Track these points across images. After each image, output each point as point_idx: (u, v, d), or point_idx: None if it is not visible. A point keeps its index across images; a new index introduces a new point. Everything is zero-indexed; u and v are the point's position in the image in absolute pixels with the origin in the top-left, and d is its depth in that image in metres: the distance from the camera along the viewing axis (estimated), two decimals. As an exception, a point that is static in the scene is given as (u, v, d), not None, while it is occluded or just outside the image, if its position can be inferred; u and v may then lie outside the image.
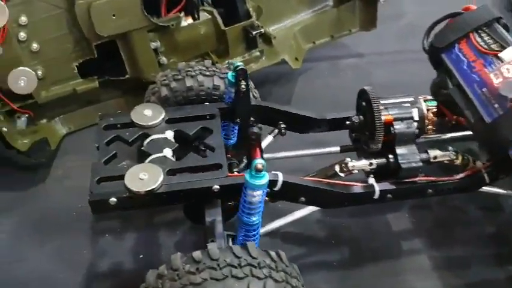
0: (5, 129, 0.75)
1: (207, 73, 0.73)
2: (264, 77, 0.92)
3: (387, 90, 0.93)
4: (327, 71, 1.00)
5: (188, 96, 0.72)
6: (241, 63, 0.63)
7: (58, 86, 0.81)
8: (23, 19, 0.74)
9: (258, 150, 0.62)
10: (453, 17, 0.68)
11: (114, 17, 0.76)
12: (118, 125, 0.63)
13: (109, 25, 0.76)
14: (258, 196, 0.53)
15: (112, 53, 0.82)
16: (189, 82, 0.72)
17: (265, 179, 0.51)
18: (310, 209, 0.63)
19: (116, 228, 0.74)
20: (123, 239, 0.74)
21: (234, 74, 0.63)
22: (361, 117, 0.64)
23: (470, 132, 0.69)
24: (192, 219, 0.67)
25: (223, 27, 0.84)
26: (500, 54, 0.57)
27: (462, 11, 0.67)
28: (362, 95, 0.65)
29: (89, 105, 0.87)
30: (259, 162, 0.51)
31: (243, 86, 0.63)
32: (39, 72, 0.78)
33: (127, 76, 0.83)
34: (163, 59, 0.84)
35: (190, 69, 0.73)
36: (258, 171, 0.51)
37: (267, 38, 0.89)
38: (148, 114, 0.64)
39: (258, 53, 0.88)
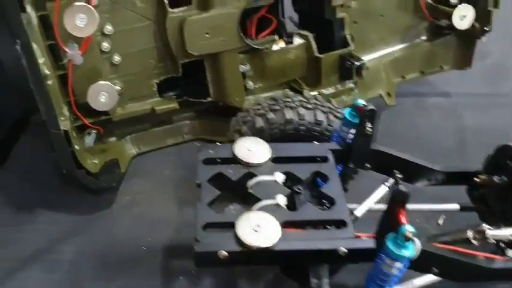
0: (76, 147, 0.67)
1: (309, 106, 0.65)
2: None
3: (479, 135, 0.86)
4: (413, 109, 0.92)
5: (286, 130, 0.65)
6: (365, 102, 0.55)
7: (135, 103, 0.74)
8: (109, 28, 0.67)
9: (403, 213, 0.53)
10: None
11: (208, 35, 0.69)
12: (219, 160, 0.55)
13: (201, 43, 0.69)
14: (397, 268, 0.45)
15: (191, 71, 0.75)
16: (289, 114, 0.64)
17: (411, 250, 0.44)
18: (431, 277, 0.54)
19: (191, 269, 0.66)
20: (199, 284, 0.65)
21: (353, 113, 0.56)
22: (504, 177, 0.55)
23: None
24: (287, 275, 0.58)
25: (317, 53, 0.77)
26: None
27: None
28: (505, 151, 0.57)
29: (161, 125, 0.79)
30: (409, 229, 0.43)
31: (368, 129, 0.55)
32: (118, 87, 0.70)
33: (209, 99, 0.76)
34: (250, 84, 0.76)
35: (289, 99, 0.66)
36: (406, 240, 0.44)
37: (358, 70, 0.81)
38: (252, 149, 0.56)
39: (351, 85, 0.81)
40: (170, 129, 0.79)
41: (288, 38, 0.77)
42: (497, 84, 0.98)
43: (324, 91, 0.79)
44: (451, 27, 0.84)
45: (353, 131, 0.57)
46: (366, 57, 0.86)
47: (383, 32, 0.87)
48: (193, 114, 0.81)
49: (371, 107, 0.54)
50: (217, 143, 0.58)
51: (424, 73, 0.90)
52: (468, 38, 0.87)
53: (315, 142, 0.61)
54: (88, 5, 0.62)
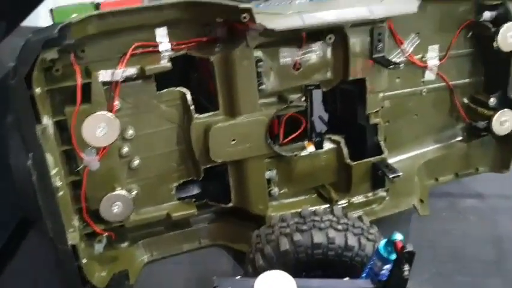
0: (84, 260, 0.62)
1: (339, 227, 0.60)
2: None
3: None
4: (445, 212, 0.86)
5: (313, 254, 0.59)
6: (402, 238, 0.50)
7: (151, 208, 0.69)
8: (130, 132, 0.64)
9: None
10: None
11: (233, 142, 0.65)
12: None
13: (226, 150, 0.65)
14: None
15: (213, 172, 0.70)
16: (317, 237, 0.59)
17: None
18: None
19: None
20: None
21: (389, 248, 0.50)
22: None
23: None
24: None
25: (349, 160, 0.72)
26: None
27: None
28: None
29: (176, 228, 0.74)
30: None
31: (406, 272, 0.50)
32: (134, 192, 0.67)
33: (231, 204, 0.71)
34: (275, 190, 0.72)
35: (317, 218, 0.61)
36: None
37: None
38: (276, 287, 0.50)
39: (383, 193, 0.75)
40: (186, 233, 0.74)
41: (318, 141, 0.73)
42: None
43: (354, 199, 0.74)
44: (489, 130, 0.80)
45: (387, 266, 0.52)
46: (398, 158, 0.81)
47: (418, 131, 0.82)
48: (211, 215, 0.76)
49: (410, 248, 0.48)
50: (237, 278, 0.53)
51: (459, 175, 0.85)
52: (507, 141, 0.82)
53: (347, 279, 0.55)
54: (109, 114, 0.59)
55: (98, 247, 0.68)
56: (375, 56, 0.66)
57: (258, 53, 0.63)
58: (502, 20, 0.74)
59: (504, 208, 0.87)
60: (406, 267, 0.49)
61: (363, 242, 0.60)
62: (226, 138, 0.65)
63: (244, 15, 0.57)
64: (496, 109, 0.79)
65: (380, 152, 0.74)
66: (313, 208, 0.62)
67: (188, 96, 0.64)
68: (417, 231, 0.82)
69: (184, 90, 0.64)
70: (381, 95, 0.73)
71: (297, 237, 0.59)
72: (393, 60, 0.75)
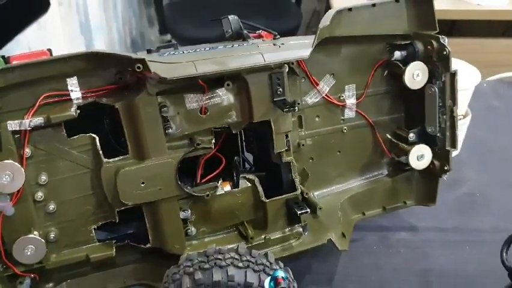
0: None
1: (240, 264, 0.61)
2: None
3: (445, 280, 0.81)
4: (376, 246, 0.87)
5: (213, 292, 0.61)
6: (283, 274, 0.52)
7: (71, 249, 0.71)
8: (43, 178, 0.67)
9: None
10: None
11: (143, 185, 0.68)
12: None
13: (135, 193, 0.68)
14: None
15: (134, 212, 0.73)
16: (217, 275, 0.60)
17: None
18: None
19: None
20: None
21: (273, 284, 0.52)
22: None
23: None
24: None
25: (263, 198, 0.74)
26: None
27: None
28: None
29: (101, 269, 0.76)
30: None
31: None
32: (52, 235, 0.69)
33: (149, 245, 0.73)
34: (192, 229, 0.74)
35: (220, 256, 0.63)
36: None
37: (312, 208, 0.78)
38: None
39: (300, 229, 0.77)
40: (111, 274, 0.76)
41: (237, 181, 0.76)
42: (469, 218, 0.93)
43: (271, 235, 0.76)
44: (410, 165, 0.82)
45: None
46: (321, 192, 0.84)
47: (342, 168, 0.85)
48: (136, 256, 0.77)
49: (284, 285, 0.50)
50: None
51: (386, 209, 0.87)
52: (430, 176, 0.84)
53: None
54: (14, 163, 0.62)
55: (21, 289, 0.69)
56: (275, 99, 0.69)
57: (162, 99, 0.66)
58: (411, 58, 0.78)
59: (436, 240, 0.89)
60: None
61: (263, 278, 0.61)
62: (134, 181, 0.67)
63: (138, 65, 0.60)
64: (415, 144, 0.81)
65: (295, 189, 0.76)
66: (219, 247, 0.64)
67: (97, 142, 0.67)
68: (346, 266, 0.83)
69: (93, 135, 0.67)
70: (301, 131, 0.78)
71: (198, 275, 0.61)
72: (309, 99, 0.79)
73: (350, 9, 0.74)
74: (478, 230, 0.90)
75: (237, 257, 0.62)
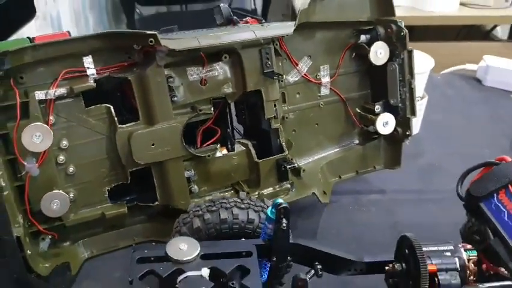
0: (29, 252, 0.73)
1: (242, 206, 0.73)
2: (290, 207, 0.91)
3: (411, 230, 0.93)
4: (351, 206, 1.00)
5: (221, 229, 0.72)
6: (283, 201, 0.63)
7: (88, 209, 0.80)
8: (64, 143, 0.76)
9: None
10: (488, 166, 0.70)
11: (153, 146, 0.78)
12: (152, 258, 0.62)
13: (147, 154, 0.78)
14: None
15: (141, 178, 0.83)
16: (223, 214, 0.71)
17: None
18: None
19: None
20: None
21: (274, 210, 0.63)
22: (403, 265, 0.63)
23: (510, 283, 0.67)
24: None
25: (256, 159, 0.86)
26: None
27: (497, 162, 0.69)
28: (404, 241, 0.64)
29: (113, 229, 0.85)
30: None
31: (284, 225, 0.62)
32: (71, 195, 0.78)
33: (157, 203, 0.83)
34: (195, 188, 0.84)
35: (225, 201, 0.73)
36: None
37: (296, 171, 0.90)
38: (183, 248, 0.62)
39: (288, 185, 0.89)
40: (122, 233, 0.85)
41: (231, 146, 0.87)
42: (429, 182, 1.07)
43: (263, 191, 0.87)
44: (378, 133, 0.96)
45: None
46: (304, 161, 0.96)
47: (320, 138, 0.97)
48: (144, 217, 0.87)
49: (284, 204, 0.62)
50: (153, 244, 0.65)
51: (359, 173, 1.00)
52: (394, 142, 0.98)
53: (243, 239, 0.68)
54: (44, 124, 0.72)
55: (43, 245, 0.78)
56: (265, 71, 0.81)
57: (169, 72, 0.77)
58: (374, 40, 0.92)
59: (402, 200, 1.02)
60: (284, 220, 0.62)
61: (262, 216, 0.72)
62: (146, 142, 0.77)
63: (150, 39, 0.71)
64: (379, 114, 0.95)
65: (282, 151, 0.88)
66: (223, 195, 0.75)
67: (112, 110, 0.77)
68: (327, 222, 0.95)
69: (108, 105, 0.77)
70: (284, 106, 0.90)
71: (207, 216, 0.72)
72: (290, 78, 0.91)
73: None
74: (438, 191, 1.03)
75: (239, 200, 0.73)
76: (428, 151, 1.18)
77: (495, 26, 2.43)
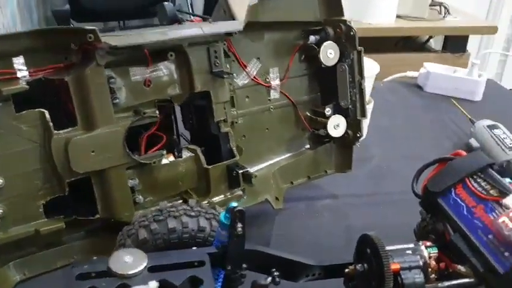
0: None
1: (192, 213, 0.68)
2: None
3: (364, 232, 0.92)
4: (304, 212, 0.97)
5: (170, 239, 0.66)
6: (237, 204, 0.59)
7: (19, 226, 0.72)
8: (-9, 153, 0.68)
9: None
10: (444, 162, 0.69)
11: (93, 153, 0.72)
12: (93, 274, 0.55)
13: (86, 161, 0.71)
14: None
15: (80, 189, 0.76)
16: (172, 224, 0.66)
17: None
18: None
19: None
20: None
21: (228, 215, 0.59)
22: (365, 265, 0.60)
23: (469, 280, 0.66)
24: None
25: (205, 165, 0.81)
26: (503, 201, 0.57)
27: (452, 156, 0.68)
28: (365, 241, 0.62)
29: (49, 247, 0.77)
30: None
31: (239, 229, 0.58)
32: (0, 211, 0.70)
33: (98, 216, 0.76)
34: (139, 198, 0.78)
35: (173, 209, 0.68)
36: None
37: (247, 177, 0.86)
38: (128, 261, 0.56)
39: (240, 192, 0.85)
40: (59, 252, 0.77)
41: (179, 153, 0.82)
42: (379, 184, 1.07)
43: (214, 200, 0.83)
44: (329, 136, 0.94)
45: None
46: (256, 167, 0.92)
47: (270, 143, 0.94)
48: (84, 233, 0.80)
49: (239, 208, 0.57)
50: (94, 258, 0.59)
51: (311, 178, 0.97)
52: (345, 145, 0.97)
53: (195, 248, 0.63)
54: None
55: (-34, 269, 0.69)
56: (214, 70, 0.77)
57: (110, 72, 0.72)
58: (323, 41, 0.90)
59: (354, 204, 1.00)
60: (239, 225, 0.58)
61: (214, 224, 0.68)
62: (85, 149, 0.71)
63: (89, 35, 0.66)
64: (331, 117, 0.93)
65: (233, 156, 0.83)
66: (171, 203, 0.69)
67: (47, 115, 0.70)
68: (281, 229, 0.92)
69: (42, 110, 0.70)
70: (233, 110, 0.85)
71: (154, 226, 0.66)
72: (239, 81, 0.88)
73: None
74: (388, 193, 1.03)
75: (188, 208, 0.68)
76: (376, 155, 1.18)
77: (430, 38, 2.52)
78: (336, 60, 0.90)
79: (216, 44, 0.77)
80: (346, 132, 0.93)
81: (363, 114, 0.92)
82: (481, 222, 0.58)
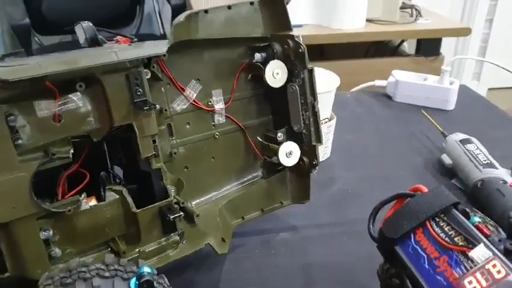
0: None
1: (106, 274, 0.57)
2: (184, 260, 0.76)
3: (325, 271, 0.82)
4: (258, 249, 0.87)
5: (78, 307, 0.55)
6: (148, 270, 0.48)
7: None
8: None
9: None
10: (401, 198, 0.59)
11: (-9, 205, 0.61)
12: None
13: None
14: None
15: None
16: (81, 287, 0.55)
17: None
18: None
19: None
20: None
21: (137, 283, 0.49)
22: None
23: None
24: None
25: (134, 209, 0.70)
26: (471, 254, 0.47)
27: (411, 193, 0.59)
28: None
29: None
30: None
31: (150, 303, 0.48)
32: None
33: (7, 274, 0.65)
34: (56, 251, 0.67)
35: (84, 269, 0.57)
36: None
37: (188, 217, 0.76)
38: None
39: (177, 237, 0.74)
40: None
41: (100, 193, 0.71)
42: (342, 211, 0.97)
43: (145, 248, 0.72)
44: (281, 164, 0.83)
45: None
46: (199, 200, 0.81)
47: (217, 173, 0.84)
48: (-6, 292, 0.68)
49: (147, 277, 0.47)
50: None
51: (264, 211, 0.87)
52: (301, 173, 0.86)
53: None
54: None
55: None
56: (136, 100, 0.67)
57: (9, 108, 0.60)
58: (270, 58, 0.80)
59: (314, 236, 0.90)
60: (149, 297, 0.48)
61: (134, 285, 0.57)
62: None
63: None
64: (284, 142, 0.83)
65: (167, 196, 0.73)
66: (83, 259, 0.59)
67: None
68: (229, 272, 0.81)
69: None
70: (172, 139, 0.76)
71: (60, 292, 0.55)
72: (177, 106, 0.77)
73: (206, 11, 0.75)
74: (353, 222, 0.93)
75: (103, 267, 0.57)
76: (340, 177, 1.08)
77: (402, 41, 2.45)
78: (284, 81, 0.80)
79: (136, 70, 0.66)
80: (301, 159, 0.83)
81: (319, 140, 0.82)
82: (445, 279, 0.49)
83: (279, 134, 0.83)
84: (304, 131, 0.82)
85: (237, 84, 0.82)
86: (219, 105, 0.82)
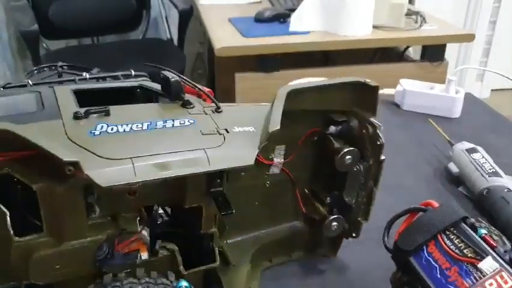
0: None
1: (139, 287, 0.59)
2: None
3: (338, 277, 0.86)
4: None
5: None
6: (186, 284, 0.53)
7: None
8: None
9: None
10: (413, 212, 0.65)
11: (58, 267, 0.61)
12: None
13: (48, 274, 0.61)
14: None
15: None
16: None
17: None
18: None
19: None
20: None
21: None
22: None
23: None
24: None
25: (181, 267, 0.69)
26: (479, 265, 0.53)
27: (423, 207, 0.64)
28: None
29: None
30: None
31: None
32: None
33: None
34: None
35: (117, 284, 0.59)
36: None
37: (225, 259, 0.77)
38: None
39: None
40: None
41: (153, 249, 0.70)
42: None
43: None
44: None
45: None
46: (236, 240, 0.82)
47: (257, 217, 0.84)
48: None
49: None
50: None
51: (292, 256, 0.89)
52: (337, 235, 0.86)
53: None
54: None
55: None
56: (212, 190, 0.67)
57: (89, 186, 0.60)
58: (344, 134, 0.78)
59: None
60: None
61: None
62: (49, 264, 0.62)
63: (69, 167, 0.54)
64: (330, 206, 0.82)
65: (214, 260, 0.73)
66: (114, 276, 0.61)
67: (7, 218, 0.59)
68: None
69: (3, 209, 0.59)
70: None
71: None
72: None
73: (299, 90, 0.70)
74: (366, 230, 0.97)
75: (134, 281, 0.62)
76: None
77: (408, 47, 2.50)
78: (352, 164, 0.76)
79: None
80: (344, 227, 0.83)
81: (365, 218, 0.81)
82: (456, 288, 0.54)
83: (328, 198, 0.82)
84: (354, 205, 0.79)
85: (301, 144, 0.81)
86: (278, 159, 0.80)
